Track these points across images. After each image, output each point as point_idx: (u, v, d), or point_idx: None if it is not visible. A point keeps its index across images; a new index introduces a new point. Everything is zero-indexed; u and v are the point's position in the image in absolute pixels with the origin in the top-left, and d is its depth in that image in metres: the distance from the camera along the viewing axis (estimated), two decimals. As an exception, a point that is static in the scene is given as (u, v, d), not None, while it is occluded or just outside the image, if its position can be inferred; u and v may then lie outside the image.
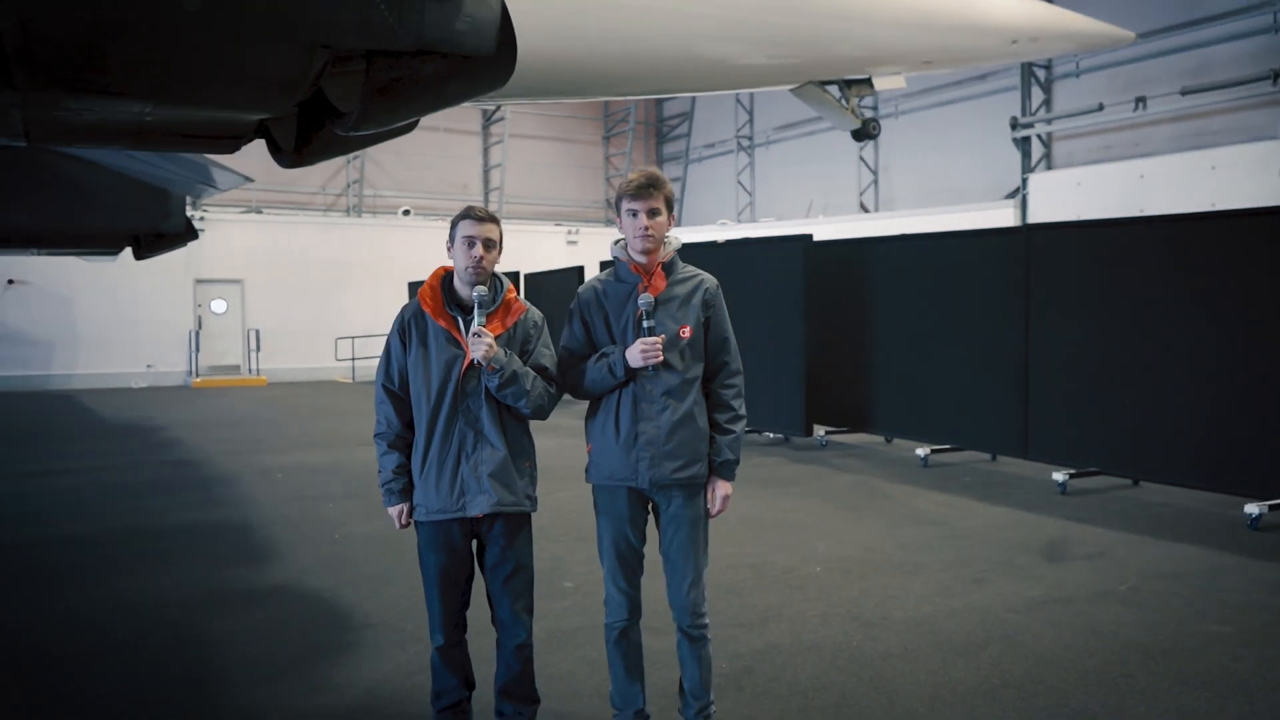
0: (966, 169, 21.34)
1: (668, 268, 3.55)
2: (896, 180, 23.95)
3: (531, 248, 25.14)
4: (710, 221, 27.92)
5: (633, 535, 3.55)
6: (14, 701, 4.21)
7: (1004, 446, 9.46)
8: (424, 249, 24.60)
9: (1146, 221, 8.33)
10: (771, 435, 11.79)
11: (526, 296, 19.02)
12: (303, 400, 18.53)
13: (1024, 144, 19.50)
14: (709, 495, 3.57)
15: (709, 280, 3.63)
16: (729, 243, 12.45)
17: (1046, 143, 19.37)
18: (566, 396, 3.61)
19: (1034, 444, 8.98)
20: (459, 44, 3.21)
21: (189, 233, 12.27)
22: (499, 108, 27.60)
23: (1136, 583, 5.84)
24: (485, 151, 29.84)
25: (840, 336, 11.19)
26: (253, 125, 4.28)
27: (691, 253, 13.05)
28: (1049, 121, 19.14)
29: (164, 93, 3.40)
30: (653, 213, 3.44)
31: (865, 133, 9.47)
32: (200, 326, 22.79)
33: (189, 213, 23.24)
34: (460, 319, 3.48)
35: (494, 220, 3.50)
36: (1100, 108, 17.99)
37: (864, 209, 24.20)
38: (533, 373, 3.50)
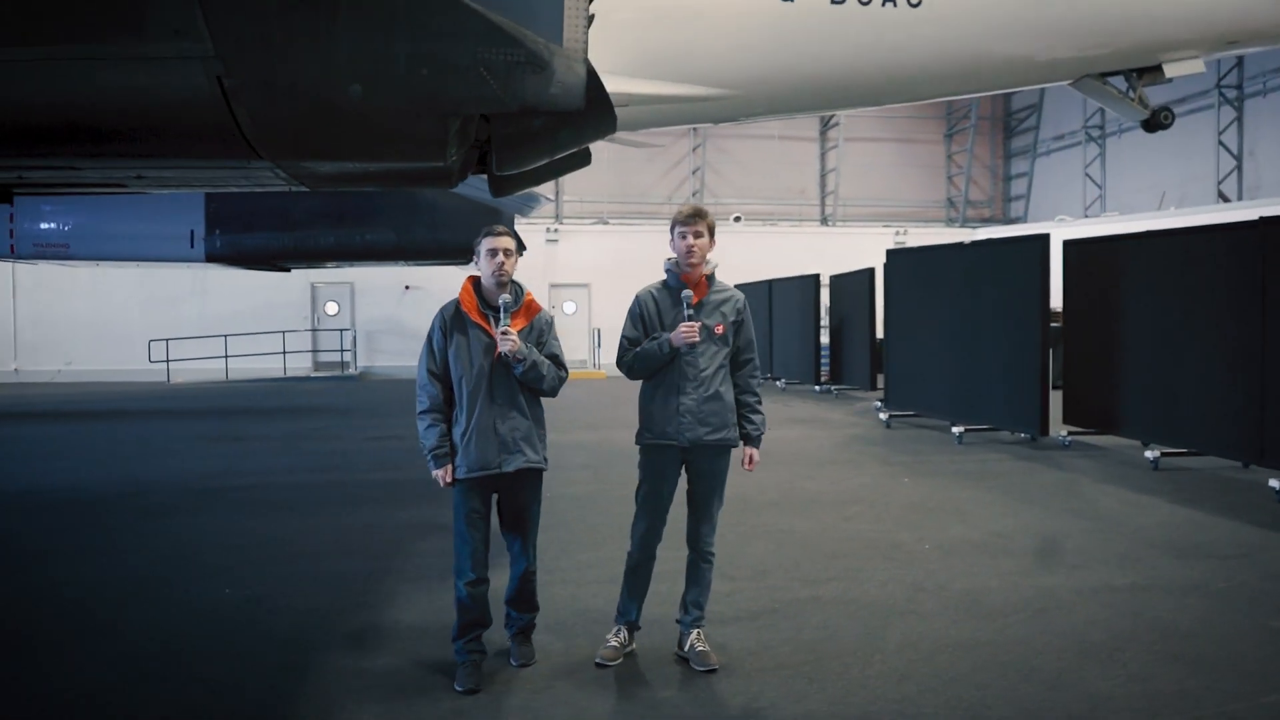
0: (1343, 150, 18.87)
1: (709, 280, 4.67)
2: (1264, 165, 21.61)
3: (857, 249, 25.56)
4: (1049, 218, 26.67)
5: (665, 488, 4.63)
6: (261, 572, 6.08)
7: (1239, 452, 8.92)
8: (752, 252, 25.88)
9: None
10: (1023, 435, 11.67)
11: (830, 296, 19.40)
12: (624, 392, 20.62)
13: None
14: (746, 457, 4.64)
15: (740, 295, 4.77)
16: (974, 244, 12.47)
17: None
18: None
19: (1270, 450, 8.43)
20: (554, 104, 4.37)
21: (518, 246, 14.66)
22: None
23: (1245, 580, 5.72)
24: (822, 156, 30.70)
25: (1091, 336, 10.94)
26: (452, 168, 5.79)
27: (938, 254, 13.03)
28: None
29: (355, 153, 4.90)
30: (696, 235, 4.58)
31: (1156, 123, 9.20)
32: (554, 325, 26.03)
33: (551, 226, 26.44)
34: (491, 316, 4.63)
35: (509, 234, 4.67)
36: None
37: (1224, 198, 22.08)
38: (547, 360, 4.61)
